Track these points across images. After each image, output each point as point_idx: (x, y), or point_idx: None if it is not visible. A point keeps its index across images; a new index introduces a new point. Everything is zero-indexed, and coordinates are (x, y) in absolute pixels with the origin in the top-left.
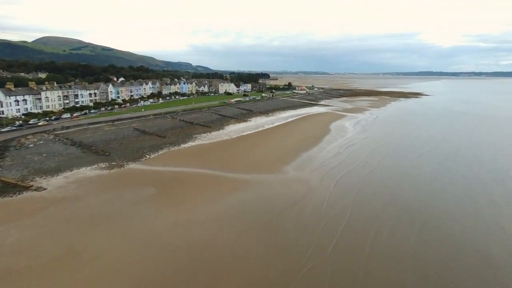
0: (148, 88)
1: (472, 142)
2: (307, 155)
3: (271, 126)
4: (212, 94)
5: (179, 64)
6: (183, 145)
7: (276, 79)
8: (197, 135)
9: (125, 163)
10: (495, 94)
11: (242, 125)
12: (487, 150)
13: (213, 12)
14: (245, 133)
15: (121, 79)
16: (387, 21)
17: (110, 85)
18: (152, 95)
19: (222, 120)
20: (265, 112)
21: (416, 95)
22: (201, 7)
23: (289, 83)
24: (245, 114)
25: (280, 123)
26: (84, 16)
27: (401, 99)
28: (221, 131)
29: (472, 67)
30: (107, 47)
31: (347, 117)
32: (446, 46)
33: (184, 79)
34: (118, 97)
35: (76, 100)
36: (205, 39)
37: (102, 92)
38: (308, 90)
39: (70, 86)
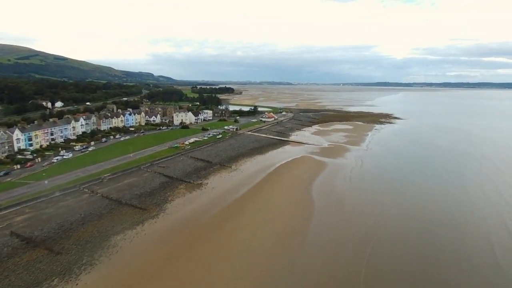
0: (79, 126)
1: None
2: None
3: (233, 198)
4: (165, 128)
5: (140, 74)
6: (83, 278)
7: (241, 92)
8: (118, 237)
9: None
10: (462, 115)
11: (193, 198)
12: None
13: (174, 20)
14: (197, 223)
15: (59, 103)
16: (345, 32)
17: (17, 131)
18: (83, 136)
19: (166, 188)
20: (227, 162)
21: (387, 118)
22: (161, 14)
23: (255, 107)
24: (200, 171)
25: (245, 190)
26: (38, 22)
27: (376, 126)
28: (160, 216)
29: (423, 78)
30: (60, 56)
31: (328, 167)
32: (398, 58)
33: (130, 110)
34: (31, 145)
35: None
36: (167, 49)
37: (2, 142)
38: (276, 117)
39: None
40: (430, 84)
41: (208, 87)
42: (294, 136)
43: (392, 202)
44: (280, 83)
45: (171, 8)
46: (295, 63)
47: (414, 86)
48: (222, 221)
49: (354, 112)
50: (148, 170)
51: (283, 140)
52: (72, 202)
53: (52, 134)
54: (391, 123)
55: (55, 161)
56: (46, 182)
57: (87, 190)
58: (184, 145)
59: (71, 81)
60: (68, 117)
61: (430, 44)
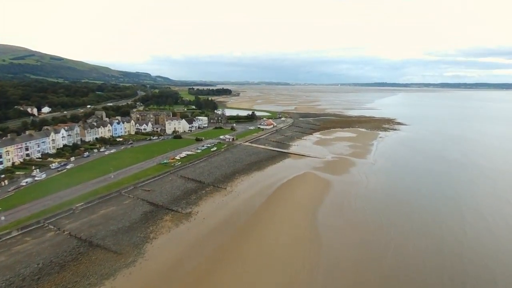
0: (59, 138)
1: None
2: None
3: (227, 234)
4: (155, 138)
5: (137, 74)
6: None
7: (238, 94)
8: None
9: None
10: (467, 120)
11: (180, 235)
12: None
13: (172, 20)
14: (181, 271)
15: (46, 108)
16: (344, 32)
17: None
18: (64, 150)
19: (149, 221)
20: (222, 182)
21: (390, 123)
22: (159, 15)
23: (253, 112)
24: (190, 194)
25: (241, 223)
26: (35, 22)
27: (380, 133)
28: (137, 264)
29: (420, 78)
30: (56, 56)
31: (334, 188)
32: (396, 58)
33: (119, 118)
34: (1, 163)
35: None
36: (165, 49)
37: None
38: (275, 124)
39: None
40: (428, 85)
41: (205, 88)
42: (295, 146)
43: (406, 238)
44: (278, 83)
45: (171, 8)
46: (293, 63)
47: (411, 87)
48: (213, 270)
49: (355, 116)
50: (130, 195)
51: (283, 152)
52: (30, 245)
53: (27, 149)
54: (395, 129)
55: (24, 184)
56: (2, 218)
57: (52, 227)
58: (175, 160)
59: (66, 82)
60: (47, 129)
61: (427, 45)
